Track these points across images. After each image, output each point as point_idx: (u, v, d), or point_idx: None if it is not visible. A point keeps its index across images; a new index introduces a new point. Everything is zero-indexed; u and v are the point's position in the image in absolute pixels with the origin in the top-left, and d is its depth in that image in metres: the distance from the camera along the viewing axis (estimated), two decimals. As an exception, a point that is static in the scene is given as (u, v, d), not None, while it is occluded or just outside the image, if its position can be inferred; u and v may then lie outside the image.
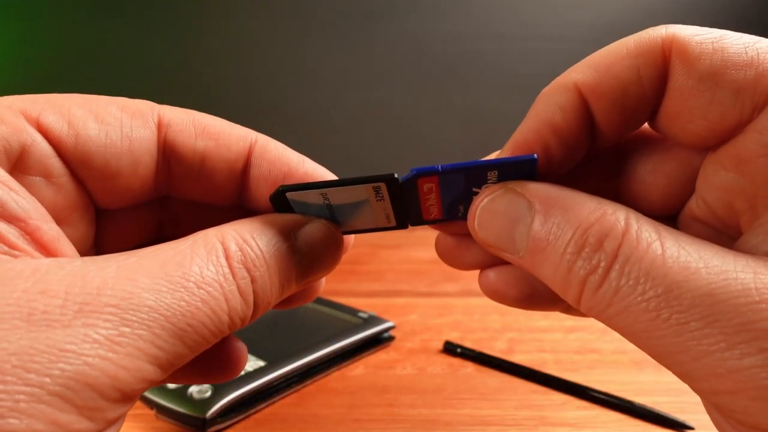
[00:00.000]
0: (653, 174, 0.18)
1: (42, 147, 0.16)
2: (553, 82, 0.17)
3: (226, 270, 0.16)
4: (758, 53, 0.15)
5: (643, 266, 0.14)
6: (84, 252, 0.18)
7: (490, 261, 0.20)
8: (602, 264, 0.14)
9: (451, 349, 0.40)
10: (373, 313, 0.43)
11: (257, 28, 0.78)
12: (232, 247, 0.16)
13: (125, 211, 0.19)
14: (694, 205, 0.18)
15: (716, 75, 0.15)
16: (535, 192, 0.16)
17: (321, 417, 0.32)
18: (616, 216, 0.15)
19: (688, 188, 0.18)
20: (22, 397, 0.11)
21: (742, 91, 0.15)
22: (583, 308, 0.15)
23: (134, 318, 0.13)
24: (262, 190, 0.19)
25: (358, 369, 0.38)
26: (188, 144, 0.18)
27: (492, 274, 0.20)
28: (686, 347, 0.13)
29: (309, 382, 0.36)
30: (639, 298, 0.14)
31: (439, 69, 0.80)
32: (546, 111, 0.17)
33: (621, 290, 0.14)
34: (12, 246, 0.14)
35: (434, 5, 0.78)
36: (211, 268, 0.15)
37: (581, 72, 0.17)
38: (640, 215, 0.15)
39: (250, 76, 0.79)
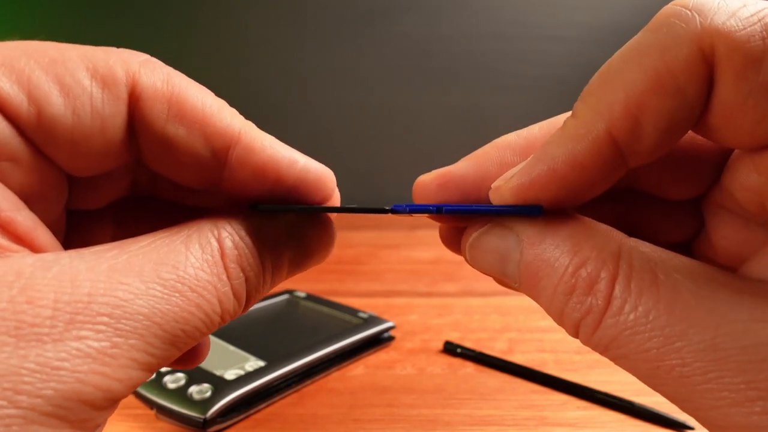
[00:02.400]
0: (672, 165, 0.17)
1: (1, 127, 0.14)
2: (576, 126, 0.14)
3: (221, 270, 0.15)
4: None
5: (639, 315, 0.13)
6: (54, 222, 0.16)
7: None
8: (595, 308, 0.13)
9: (451, 349, 0.40)
10: (373, 313, 0.43)
11: (256, 29, 0.78)
12: (228, 245, 0.16)
13: (99, 178, 0.17)
14: (720, 196, 0.16)
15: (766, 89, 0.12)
16: (524, 227, 0.15)
17: (321, 417, 0.32)
18: (606, 256, 0.14)
19: (712, 176, 0.16)
20: (14, 420, 0.11)
21: None
22: (582, 342, 0.14)
23: (127, 327, 0.13)
24: (245, 191, 0.17)
25: (358, 369, 0.38)
26: (157, 126, 0.15)
27: None
28: (689, 397, 0.12)
29: (309, 382, 0.36)
30: (637, 348, 0.13)
31: (438, 69, 0.80)
32: (561, 160, 0.14)
33: (617, 339, 0.13)
34: None
35: (434, 6, 0.78)
36: (207, 269, 0.15)
37: (612, 116, 0.13)
38: (635, 250, 0.14)
39: (249, 77, 0.79)
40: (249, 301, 0.16)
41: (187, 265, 0.14)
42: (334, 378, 0.37)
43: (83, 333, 0.12)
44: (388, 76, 0.80)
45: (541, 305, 0.15)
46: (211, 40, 0.78)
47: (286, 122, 0.81)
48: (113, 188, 0.18)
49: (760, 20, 0.12)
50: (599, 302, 0.13)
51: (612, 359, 0.14)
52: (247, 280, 0.16)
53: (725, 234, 0.17)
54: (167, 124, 0.15)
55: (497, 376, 0.37)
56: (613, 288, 0.13)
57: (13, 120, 0.14)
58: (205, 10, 0.78)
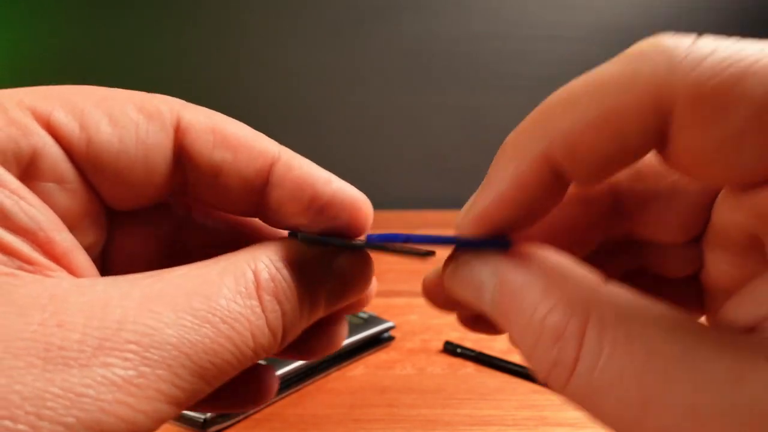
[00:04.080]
0: (663, 213, 0.17)
1: (53, 151, 0.14)
2: (515, 145, 0.14)
3: (255, 303, 0.15)
4: None
5: (613, 373, 0.12)
6: (94, 256, 0.17)
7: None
8: (563, 361, 0.13)
9: (451, 349, 0.40)
10: (373, 313, 0.43)
11: (256, 28, 0.78)
12: (264, 276, 0.15)
13: (139, 213, 0.18)
14: (711, 235, 0.16)
15: (740, 136, 0.11)
16: (500, 262, 0.15)
17: (321, 417, 0.32)
18: (577, 305, 0.13)
19: (705, 217, 0.16)
20: None
21: None
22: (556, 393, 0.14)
23: (155, 356, 0.12)
24: (283, 212, 0.18)
25: (358, 369, 0.38)
26: (204, 154, 0.17)
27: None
28: None
29: (309, 382, 0.36)
30: (612, 409, 0.12)
31: (438, 69, 0.80)
32: (504, 184, 0.14)
33: (591, 397, 0.12)
34: (27, 260, 0.13)
35: (433, 5, 0.78)
36: (239, 301, 0.14)
37: (550, 139, 0.13)
38: (608, 300, 0.13)
39: (248, 76, 0.79)
40: (285, 337, 0.16)
41: (220, 296, 0.14)
42: (334, 378, 0.37)
43: (110, 360, 0.12)
44: (387, 75, 0.80)
45: (514, 342, 0.15)
46: (210, 40, 0.78)
47: (285, 122, 0.81)
48: (153, 231, 0.19)
49: (727, 68, 0.11)
50: (568, 355, 0.12)
51: (586, 411, 0.13)
52: (283, 314, 0.15)
53: (724, 269, 0.16)
54: (214, 150, 0.17)
55: (497, 376, 0.37)
56: (582, 341, 0.12)
57: (64, 145, 0.15)
58: (204, 11, 0.78)
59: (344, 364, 0.38)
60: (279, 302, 0.15)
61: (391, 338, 0.41)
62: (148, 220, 0.18)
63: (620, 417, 0.12)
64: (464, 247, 0.16)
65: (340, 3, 0.77)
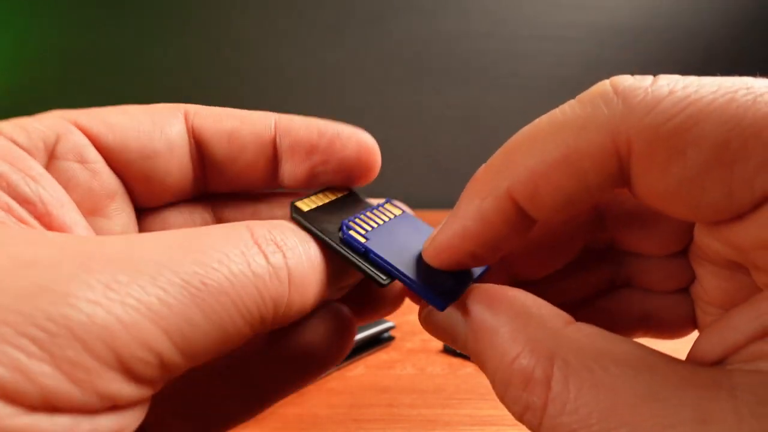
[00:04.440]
0: (645, 230, 0.17)
1: (76, 136, 0.16)
2: (482, 180, 0.15)
3: (249, 241, 0.14)
4: (749, 138, 0.11)
5: (581, 417, 0.12)
6: None
7: None
8: (533, 407, 0.13)
9: (451, 349, 0.40)
10: (373, 313, 0.43)
11: (256, 28, 0.78)
12: (260, 231, 0.14)
13: (166, 215, 0.19)
14: (697, 250, 0.16)
15: (700, 176, 0.11)
16: (470, 307, 0.15)
17: (321, 417, 0.32)
18: (541, 350, 0.13)
19: (689, 233, 0.16)
20: None
21: (736, 192, 0.11)
22: None
23: (136, 269, 0.11)
24: (295, 160, 0.18)
25: (358, 369, 0.38)
26: (215, 125, 0.18)
27: None
28: None
29: (309, 382, 0.36)
30: None
31: (438, 69, 0.80)
32: (473, 224, 0.15)
33: None
34: (21, 220, 0.13)
35: (433, 5, 0.78)
36: (232, 240, 0.13)
37: (513, 177, 0.14)
38: (572, 343, 0.13)
39: (247, 76, 0.79)
40: (293, 284, 0.14)
41: (208, 238, 0.13)
42: (334, 378, 0.37)
43: (84, 271, 0.11)
44: (387, 75, 0.80)
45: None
46: (209, 39, 0.78)
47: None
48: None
49: (683, 110, 0.11)
50: (537, 401, 0.13)
51: None
52: (284, 255, 0.14)
53: (714, 284, 0.16)
54: (222, 121, 0.18)
55: (497, 376, 0.37)
56: (549, 387, 0.12)
57: (89, 134, 0.16)
58: (204, 11, 0.78)
59: (344, 364, 0.38)
60: (277, 245, 0.14)
61: (391, 338, 0.41)
62: (174, 223, 0.19)
63: None
64: (413, 289, 0.16)
65: (339, 3, 0.77)
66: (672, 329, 0.19)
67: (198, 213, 0.19)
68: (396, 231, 0.18)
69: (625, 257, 0.19)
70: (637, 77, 0.12)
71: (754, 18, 0.79)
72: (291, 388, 0.18)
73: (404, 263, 0.16)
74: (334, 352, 0.18)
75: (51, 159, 0.15)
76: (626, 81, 0.12)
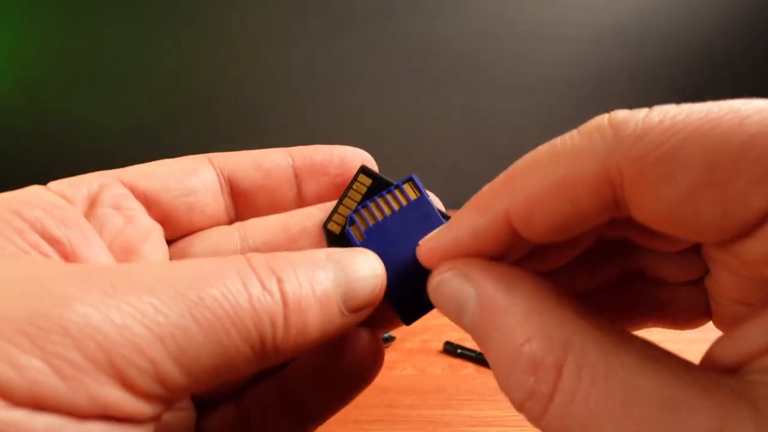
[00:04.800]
0: (665, 253, 0.17)
1: (116, 187, 0.18)
2: (482, 199, 0.15)
3: (246, 267, 0.14)
4: (739, 157, 0.11)
5: (591, 411, 0.11)
6: None
7: None
8: (539, 394, 0.12)
9: (451, 349, 0.40)
10: (373, 313, 0.43)
11: (255, 28, 0.78)
12: (257, 259, 0.15)
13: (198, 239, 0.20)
14: (708, 252, 0.16)
15: (694, 197, 0.12)
16: (482, 282, 0.15)
17: (321, 417, 0.32)
18: (555, 337, 0.13)
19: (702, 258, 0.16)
20: None
21: (732, 210, 0.11)
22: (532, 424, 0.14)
23: (135, 281, 0.12)
24: (314, 181, 0.21)
25: (358, 369, 0.38)
26: (239, 160, 0.21)
27: None
28: None
29: (309, 382, 0.35)
30: None
31: (438, 69, 0.80)
32: (466, 237, 0.15)
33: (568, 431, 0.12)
34: (45, 255, 0.15)
35: (433, 5, 0.78)
36: (230, 265, 0.14)
37: (512, 200, 0.14)
38: (588, 335, 0.12)
39: (248, 76, 0.79)
40: (289, 306, 0.14)
41: (204, 264, 0.14)
42: (334, 378, 0.36)
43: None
44: (387, 76, 0.80)
45: (491, 370, 0.15)
46: (208, 40, 0.78)
47: (283, 122, 0.81)
48: None
49: (671, 137, 0.12)
50: (545, 387, 0.12)
51: None
52: (279, 280, 0.14)
53: (728, 278, 0.16)
54: (242, 156, 0.21)
55: (497, 376, 0.36)
56: (561, 374, 0.12)
57: (129, 185, 0.19)
58: (204, 11, 0.78)
59: (344, 364, 0.38)
60: (272, 270, 0.15)
61: (391, 338, 0.41)
62: (207, 247, 0.21)
63: None
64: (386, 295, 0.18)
65: (339, 3, 0.77)
66: (686, 319, 0.18)
67: (227, 240, 0.21)
68: (399, 225, 0.18)
69: (637, 248, 0.19)
70: (634, 111, 0.13)
71: (754, 18, 0.79)
72: (332, 410, 0.20)
73: (390, 268, 0.17)
74: (365, 372, 0.20)
75: (91, 207, 0.18)
76: (621, 114, 0.13)
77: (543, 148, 0.14)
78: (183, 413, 0.19)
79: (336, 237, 0.19)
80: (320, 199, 0.21)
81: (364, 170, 0.19)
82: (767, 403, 0.11)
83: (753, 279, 0.15)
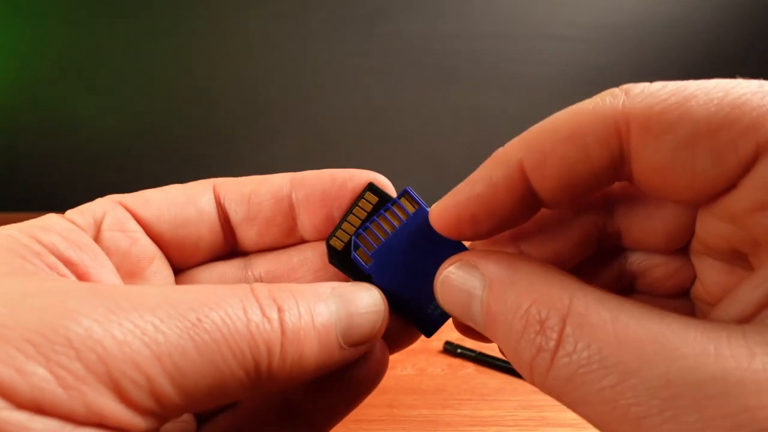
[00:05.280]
0: (649, 219, 0.18)
1: (119, 211, 0.19)
2: (498, 153, 0.16)
3: (249, 295, 0.15)
4: (731, 107, 0.13)
5: (593, 353, 0.12)
6: None
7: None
8: (547, 348, 0.13)
9: (451, 349, 0.40)
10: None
11: (256, 28, 0.78)
12: (260, 289, 0.15)
13: (201, 272, 0.21)
14: (698, 245, 0.17)
15: (691, 144, 0.13)
16: (487, 264, 0.16)
17: (321, 417, 0.32)
18: (560, 296, 0.14)
19: (690, 227, 0.17)
20: None
21: (726, 155, 0.13)
22: (539, 389, 0.14)
23: (139, 301, 0.13)
24: (310, 213, 0.20)
25: (358, 369, 0.38)
26: (237, 190, 0.20)
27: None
28: None
29: (309, 382, 0.35)
30: (592, 388, 0.12)
31: (439, 69, 0.80)
32: (479, 184, 0.16)
33: (572, 380, 0.13)
34: (61, 275, 0.16)
35: (434, 5, 0.78)
36: (233, 292, 0.15)
37: (527, 148, 0.15)
38: (587, 292, 0.14)
39: (248, 76, 0.79)
40: (287, 335, 0.15)
41: (207, 291, 0.15)
42: (334, 378, 0.36)
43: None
44: (388, 75, 0.80)
45: (501, 347, 0.15)
46: (210, 39, 0.78)
47: (286, 122, 0.81)
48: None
49: (672, 95, 0.13)
50: (551, 341, 0.13)
51: (568, 403, 0.13)
52: (279, 309, 0.15)
53: (714, 279, 0.17)
54: (242, 185, 0.21)
55: (497, 376, 0.36)
56: (564, 327, 0.13)
57: (131, 210, 0.19)
58: (205, 11, 0.78)
59: (344, 364, 0.38)
60: (274, 299, 0.15)
61: (391, 338, 0.41)
62: (209, 279, 0.21)
63: (600, 397, 0.12)
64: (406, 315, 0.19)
65: (339, 2, 0.77)
66: None
67: (231, 270, 0.21)
68: (404, 241, 0.19)
69: (630, 256, 0.19)
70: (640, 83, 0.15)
71: (754, 18, 0.79)
72: (335, 419, 0.20)
73: (403, 286, 0.18)
74: (370, 382, 0.20)
75: (98, 231, 0.19)
76: (630, 84, 0.15)
77: (558, 112, 0.15)
78: (182, 425, 0.19)
79: (337, 252, 0.19)
80: (316, 232, 0.20)
81: (371, 188, 0.19)
82: (757, 334, 0.12)
83: (735, 274, 0.16)
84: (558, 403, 0.14)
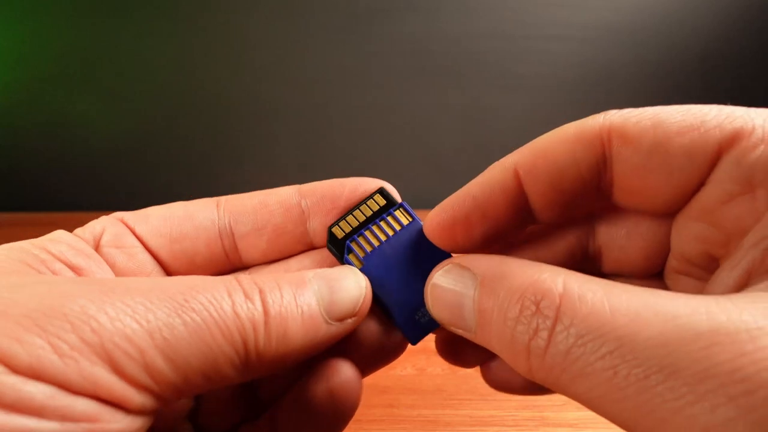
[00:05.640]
0: (629, 238, 0.18)
1: (118, 228, 0.20)
2: (495, 162, 0.18)
3: (233, 282, 0.16)
4: (696, 117, 0.15)
5: (590, 324, 0.13)
6: None
7: (489, 354, 0.19)
8: (544, 327, 0.13)
9: (451, 349, 0.39)
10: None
11: (256, 27, 0.78)
12: (244, 277, 0.16)
13: None
14: (674, 261, 0.18)
15: (663, 146, 0.15)
16: (479, 263, 0.16)
17: (321, 417, 0.32)
18: (553, 278, 0.14)
19: (666, 246, 0.18)
20: None
21: (694, 153, 0.15)
22: (537, 379, 0.14)
23: (133, 287, 0.14)
24: (321, 217, 0.20)
25: (358, 369, 0.38)
26: (244, 202, 0.21)
27: (493, 366, 0.20)
28: (652, 407, 0.12)
29: (309, 382, 0.35)
30: (591, 358, 0.12)
31: (439, 68, 0.80)
32: (475, 186, 0.17)
33: (570, 353, 0.13)
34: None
35: (435, 5, 0.78)
36: (219, 280, 0.15)
37: (521, 154, 0.17)
38: (580, 275, 0.14)
39: (249, 76, 0.79)
40: (269, 314, 0.16)
41: (193, 278, 0.16)
42: (334, 378, 0.36)
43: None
44: (387, 75, 0.80)
45: (495, 348, 0.15)
46: (210, 39, 0.78)
47: (286, 122, 0.81)
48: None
49: (647, 111, 0.16)
50: (548, 319, 0.13)
51: (568, 384, 0.13)
52: (261, 291, 0.16)
53: (687, 287, 0.18)
54: (249, 198, 0.21)
55: (497, 376, 0.36)
56: (560, 305, 0.13)
57: (130, 226, 0.20)
58: (206, 11, 0.78)
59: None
60: (256, 284, 0.16)
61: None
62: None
63: (600, 365, 0.12)
64: (393, 319, 0.20)
65: (340, 2, 0.77)
66: None
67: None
68: (395, 249, 0.20)
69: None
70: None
71: (753, 18, 0.79)
72: None
73: (391, 291, 0.19)
74: (339, 418, 0.19)
75: (97, 246, 0.19)
76: (611, 110, 0.17)
77: (561, 127, 0.17)
78: None
79: (336, 240, 0.20)
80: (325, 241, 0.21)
81: (381, 191, 0.20)
82: (742, 299, 0.12)
83: (709, 275, 0.17)
84: (558, 403, 0.14)
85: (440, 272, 0.17)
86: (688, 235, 0.17)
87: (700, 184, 0.16)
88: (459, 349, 0.21)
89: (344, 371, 0.19)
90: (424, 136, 0.82)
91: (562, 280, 0.14)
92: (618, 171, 0.16)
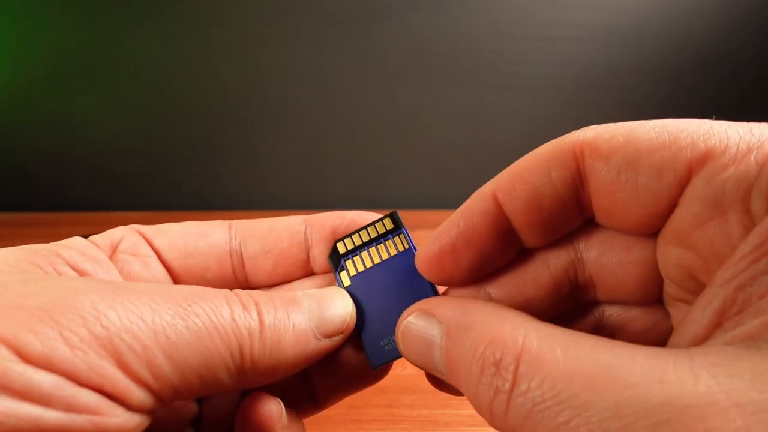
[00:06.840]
0: (622, 266, 0.18)
1: (135, 237, 0.21)
2: (478, 189, 0.18)
3: (232, 295, 0.17)
4: (668, 134, 0.15)
5: (546, 389, 0.13)
6: None
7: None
8: (503, 390, 0.13)
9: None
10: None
11: (258, 27, 0.78)
12: (242, 292, 0.17)
13: None
14: (668, 287, 0.17)
15: (633, 163, 0.15)
16: (443, 312, 0.16)
17: (321, 417, 0.32)
18: (513, 333, 0.14)
19: (659, 279, 0.17)
20: None
21: (663, 172, 0.15)
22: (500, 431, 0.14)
23: (139, 289, 0.15)
24: (323, 246, 0.22)
25: (358, 369, 0.38)
26: (255, 225, 0.22)
27: None
28: None
29: (309, 382, 0.35)
30: (549, 425, 0.12)
31: (438, 69, 0.80)
32: (458, 215, 0.18)
33: (530, 418, 0.13)
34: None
35: (436, 5, 0.78)
36: (220, 292, 0.17)
37: (498, 179, 0.17)
38: (543, 327, 0.14)
39: (250, 75, 0.79)
40: (264, 324, 0.17)
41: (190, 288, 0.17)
42: (334, 378, 0.36)
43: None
44: (387, 75, 0.80)
45: (464, 393, 0.15)
46: (211, 39, 0.78)
47: (286, 122, 0.81)
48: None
49: (621, 127, 0.16)
50: (507, 381, 0.13)
51: None
52: (257, 303, 0.17)
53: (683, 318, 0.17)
54: (259, 223, 0.22)
55: (497, 376, 0.36)
56: (518, 366, 0.13)
57: (147, 238, 0.21)
58: (207, 10, 0.78)
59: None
60: (252, 297, 0.17)
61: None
62: None
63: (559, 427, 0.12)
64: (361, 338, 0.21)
65: (342, 3, 0.77)
66: None
67: None
68: (384, 274, 0.20)
69: (607, 310, 0.19)
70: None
71: (753, 19, 0.79)
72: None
73: (367, 315, 0.20)
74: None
75: (114, 252, 0.20)
76: (586, 127, 0.17)
77: (538, 149, 0.17)
78: None
79: (338, 255, 0.21)
80: (327, 265, 0.22)
81: (392, 215, 0.21)
82: (702, 356, 0.12)
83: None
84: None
85: (411, 317, 0.17)
86: (669, 260, 0.16)
87: (672, 206, 0.15)
88: (443, 381, 0.21)
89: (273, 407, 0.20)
90: (426, 135, 0.82)
91: (522, 335, 0.14)
92: (592, 189, 0.16)
